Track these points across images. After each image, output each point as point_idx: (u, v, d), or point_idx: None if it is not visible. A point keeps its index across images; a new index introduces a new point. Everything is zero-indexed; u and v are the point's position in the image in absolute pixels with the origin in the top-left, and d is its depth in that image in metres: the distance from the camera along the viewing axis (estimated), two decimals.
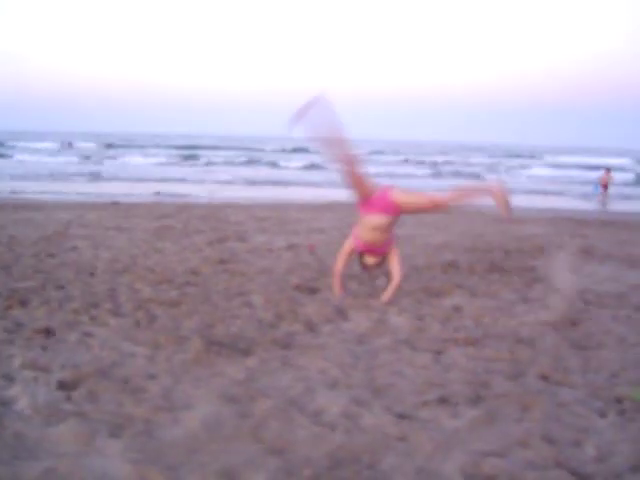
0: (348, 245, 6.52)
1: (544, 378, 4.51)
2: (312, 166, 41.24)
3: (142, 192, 21.81)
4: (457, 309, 6.30)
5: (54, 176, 29.35)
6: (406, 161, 53.51)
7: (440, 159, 55.53)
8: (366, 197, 6.28)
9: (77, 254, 8.91)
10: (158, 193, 21.66)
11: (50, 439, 3.45)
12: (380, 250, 6.43)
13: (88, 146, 61.30)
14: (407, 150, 73.93)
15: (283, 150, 62.53)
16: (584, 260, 9.12)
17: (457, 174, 41.30)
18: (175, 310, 6.07)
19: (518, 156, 67.24)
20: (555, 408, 3.95)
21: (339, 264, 6.59)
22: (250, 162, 46.28)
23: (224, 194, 22.16)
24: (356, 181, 6.21)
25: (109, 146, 61.96)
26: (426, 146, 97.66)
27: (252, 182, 29.61)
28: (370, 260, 6.53)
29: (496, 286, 7.30)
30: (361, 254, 6.56)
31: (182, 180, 29.42)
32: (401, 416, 3.80)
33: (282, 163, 44.72)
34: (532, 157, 66.61)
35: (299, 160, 45.60)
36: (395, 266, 6.48)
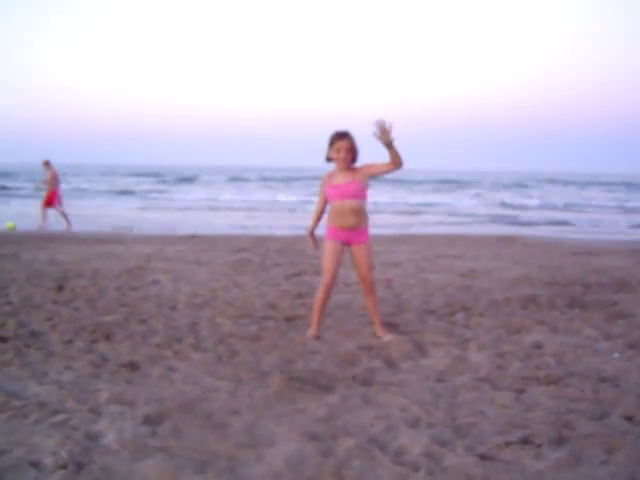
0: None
1: (629, 419, 4.39)
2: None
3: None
4: (538, 346, 6.20)
5: None
6: None
7: None
8: None
9: (158, 288, 9.11)
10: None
11: (137, 474, 3.53)
12: None
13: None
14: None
15: None
16: None
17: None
18: (255, 345, 6.16)
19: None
20: None
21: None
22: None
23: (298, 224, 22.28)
24: None
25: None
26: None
27: None
28: None
29: (577, 322, 7.15)
30: None
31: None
32: (483, 457, 3.77)
33: None
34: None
35: None
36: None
